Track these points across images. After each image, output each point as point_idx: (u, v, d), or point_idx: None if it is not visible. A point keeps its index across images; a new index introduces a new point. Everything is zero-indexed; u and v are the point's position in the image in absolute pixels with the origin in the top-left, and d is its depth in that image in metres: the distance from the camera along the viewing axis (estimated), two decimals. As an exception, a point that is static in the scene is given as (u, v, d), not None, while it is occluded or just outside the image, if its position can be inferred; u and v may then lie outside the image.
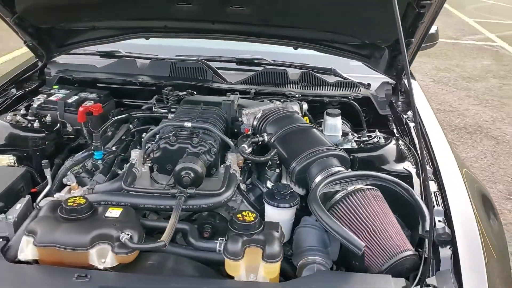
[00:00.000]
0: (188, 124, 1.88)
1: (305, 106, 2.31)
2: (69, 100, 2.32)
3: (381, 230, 1.54)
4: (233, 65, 2.80)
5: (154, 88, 2.54)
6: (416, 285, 1.39)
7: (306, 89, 2.54)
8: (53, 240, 1.39)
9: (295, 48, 2.60)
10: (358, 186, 1.67)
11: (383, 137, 2.09)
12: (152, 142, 1.84)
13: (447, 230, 1.56)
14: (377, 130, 2.17)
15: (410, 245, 1.54)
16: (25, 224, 1.55)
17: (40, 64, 2.66)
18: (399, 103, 2.60)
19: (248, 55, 2.82)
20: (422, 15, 1.95)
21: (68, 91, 2.42)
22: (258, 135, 2.02)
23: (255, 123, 2.12)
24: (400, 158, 2.04)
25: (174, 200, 1.59)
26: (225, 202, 1.65)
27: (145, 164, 1.82)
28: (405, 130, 2.30)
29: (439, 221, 1.65)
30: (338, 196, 1.64)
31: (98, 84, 2.57)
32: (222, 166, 1.85)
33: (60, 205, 1.49)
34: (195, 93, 2.36)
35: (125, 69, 2.60)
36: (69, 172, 1.72)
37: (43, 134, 2.07)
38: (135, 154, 1.81)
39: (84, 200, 1.48)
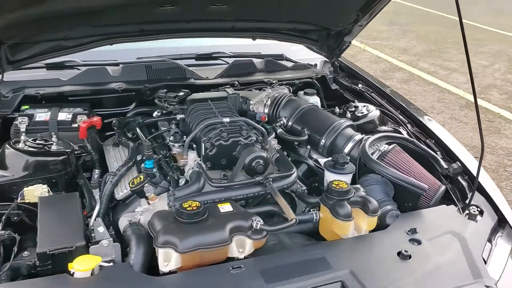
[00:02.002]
0: (227, 120, 2.00)
1: (291, 89, 2.59)
2: (61, 118, 2.17)
3: (420, 174, 1.96)
4: (193, 61, 2.88)
5: (133, 93, 2.50)
6: (465, 206, 1.85)
7: (275, 75, 2.79)
8: (196, 244, 1.45)
9: (254, 39, 2.82)
10: (386, 145, 2.06)
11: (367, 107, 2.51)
12: (205, 142, 1.91)
13: (459, 164, 2.05)
14: (356, 101, 2.57)
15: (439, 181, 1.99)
16: (134, 242, 1.55)
17: None
18: (340, 78, 3.06)
19: (204, 50, 2.92)
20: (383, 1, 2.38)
21: (46, 109, 2.23)
22: (277, 119, 2.24)
23: (266, 110, 2.33)
24: (383, 121, 2.49)
25: (260, 187, 1.76)
26: (295, 180, 1.87)
27: (201, 163, 1.90)
28: (368, 99, 2.76)
29: (444, 160, 2.15)
30: (375, 155, 2.00)
31: (70, 98, 2.40)
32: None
33: (175, 212, 1.54)
34: (190, 92, 2.41)
35: (97, 78, 2.47)
36: (146, 184, 1.71)
37: (66, 156, 1.93)
38: (193, 156, 1.88)
39: (198, 202, 1.55)
